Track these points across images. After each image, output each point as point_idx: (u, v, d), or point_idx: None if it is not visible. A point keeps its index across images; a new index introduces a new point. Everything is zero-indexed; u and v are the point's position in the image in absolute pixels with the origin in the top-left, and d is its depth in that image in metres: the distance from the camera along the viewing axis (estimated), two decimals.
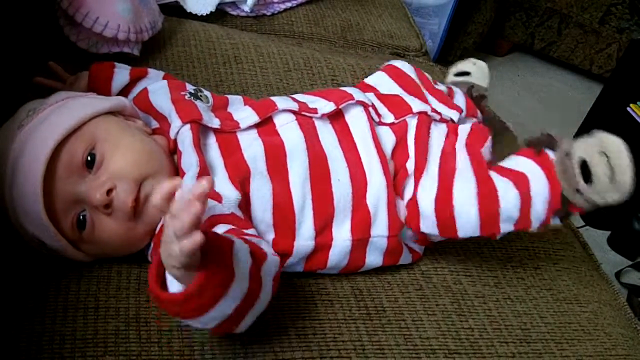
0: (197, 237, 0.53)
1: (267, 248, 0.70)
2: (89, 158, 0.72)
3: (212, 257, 0.57)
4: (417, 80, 0.96)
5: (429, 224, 0.82)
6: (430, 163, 0.84)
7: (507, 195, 0.79)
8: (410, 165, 0.84)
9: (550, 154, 0.81)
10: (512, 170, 0.82)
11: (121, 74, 0.90)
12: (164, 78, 0.92)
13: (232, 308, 0.62)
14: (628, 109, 1.96)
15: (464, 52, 2.51)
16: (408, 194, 0.83)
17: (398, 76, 0.97)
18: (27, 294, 0.71)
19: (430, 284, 0.87)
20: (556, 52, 2.65)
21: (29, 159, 0.69)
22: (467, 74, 1.02)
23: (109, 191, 0.71)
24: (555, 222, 0.81)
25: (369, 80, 0.98)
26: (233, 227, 0.70)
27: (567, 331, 0.88)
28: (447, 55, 2.46)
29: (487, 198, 0.79)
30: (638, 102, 1.96)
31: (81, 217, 0.72)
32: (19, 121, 0.74)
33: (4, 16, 0.91)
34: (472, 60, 1.05)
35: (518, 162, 0.83)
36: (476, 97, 0.98)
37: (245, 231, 0.72)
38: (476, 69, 1.02)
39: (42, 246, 0.73)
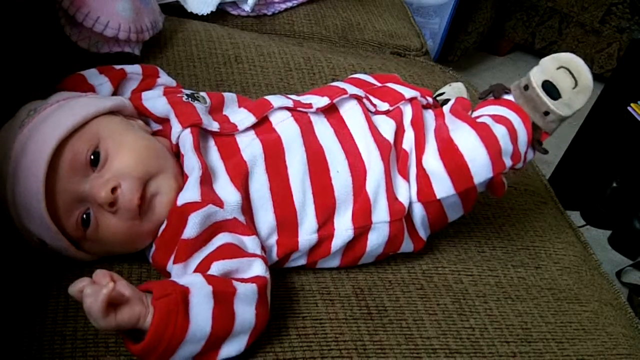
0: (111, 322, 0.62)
1: (257, 268, 0.71)
2: (92, 157, 0.72)
3: (162, 312, 0.63)
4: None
5: (443, 184, 0.81)
6: (428, 138, 0.85)
7: (500, 131, 0.82)
8: (407, 145, 0.84)
9: (508, 96, 0.87)
10: (490, 115, 0.85)
11: (103, 86, 0.87)
12: (144, 73, 0.91)
13: (198, 349, 0.66)
14: (629, 108, 1.96)
15: (465, 51, 2.51)
16: (413, 171, 0.83)
17: (379, 79, 0.98)
18: (28, 293, 0.71)
19: (431, 284, 0.87)
20: (557, 51, 2.63)
21: (31, 158, 0.69)
22: (441, 94, 1.04)
23: (114, 189, 0.71)
24: (531, 155, 0.87)
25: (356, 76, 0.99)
26: (231, 241, 0.72)
27: (568, 330, 0.88)
28: (447, 55, 2.46)
29: (487, 136, 0.81)
30: (639, 102, 1.96)
31: (84, 216, 0.72)
32: (20, 121, 0.73)
33: (4, 16, 0.91)
34: (450, 83, 1.08)
35: (489, 109, 0.87)
36: (443, 103, 0.99)
37: (244, 238, 0.74)
38: (450, 89, 1.04)
39: (44, 246, 0.73)
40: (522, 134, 0.83)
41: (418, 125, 0.86)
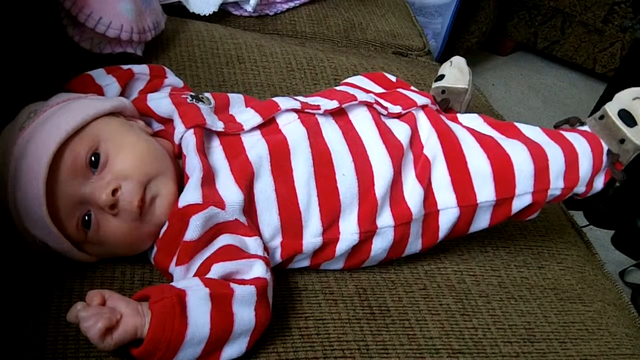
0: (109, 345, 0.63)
1: (258, 269, 0.71)
2: (92, 158, 0.72)
3: (159, 314, 0.64)
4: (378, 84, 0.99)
5: (485, 188, 0.83)
6: (464, 143, 0.85)
7: (553, 152, 0.85)
8: (429, 151, 0.84)
9: (583, 127, 0.91)
10: (553, 135, 0.89)
11: (111, 86, 0.87)
12: (151, 73, 0.91)
13: (199, 351, 0.66)
14: None
15: (467, 51, 2.51)
16: (441, 177, 0.83)
17: (372, 78, 0.99)
18: (31, 294, 0.71)
19: (434, 284, 0.87)
20: (559, 51, 2.65)
21: (31, 162, 0.69)
22: (441, 77, 1.03)
23: (114, 191, 0.71)
24: (600, 183, 0.89)
25: (351, 80, 1.00)
26: (232, 242, 0.72)
27: (571, 331, 0.88)
28: (450, 54, 2.45)
29: (537, 153, 0.84)
30: None
31: (86, 218, 0.72)
32: (20, 123, 0.73)
33: (6, 16, 0.91)
34: (451, 60, 1.06)
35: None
36: (440, 103, 0.99)
37: (246, 239, 0.74)
38: (450, 70, 1.02)
39: (46, 248, 0.73)
40: (586, 158, 0.86)
41: (443, 131, 0.86)
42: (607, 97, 2.07)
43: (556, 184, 0.86)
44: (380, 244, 0.82)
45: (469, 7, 2.34)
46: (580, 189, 0.88)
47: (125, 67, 0.90)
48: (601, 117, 0.89)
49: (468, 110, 1.01)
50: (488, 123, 0.90)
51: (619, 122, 0.87)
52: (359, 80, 0.99)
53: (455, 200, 0.83)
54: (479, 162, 0.84)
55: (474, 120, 0.91)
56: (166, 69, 0.93)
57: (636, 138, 0.87)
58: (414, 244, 0.85)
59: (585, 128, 0.91)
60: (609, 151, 0.88)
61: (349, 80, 1.00)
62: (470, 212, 0.84)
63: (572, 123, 0.92)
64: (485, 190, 0.83)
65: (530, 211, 0.88)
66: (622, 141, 0.87)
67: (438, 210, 0.83)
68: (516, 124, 0.90)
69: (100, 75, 0.88)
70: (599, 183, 0.89)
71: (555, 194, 0.87)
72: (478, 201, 0.83)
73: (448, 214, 0.84)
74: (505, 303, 0.88)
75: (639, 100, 0.87)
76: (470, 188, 0.83)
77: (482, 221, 0.86)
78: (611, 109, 0.88)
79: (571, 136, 0.89)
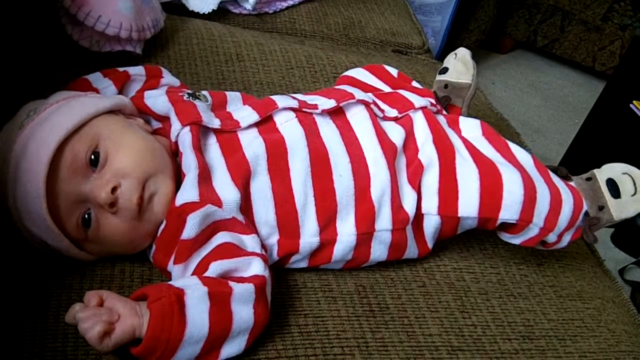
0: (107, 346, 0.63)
1: (256, 267, 0.71)
2: (92, 157, 0.72)
3: (157, 314, 0.64)
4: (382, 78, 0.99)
5: (470, 203, 0.82)
6: (459, 156, 0.84)
7: (542, 189, 0.84)
8: (424, 157, 0.84)
9: (570, 183, 0.90)
10: (544, 179, 0.87)
11: (108, 89, 0.87)
12: (148, 74, 0.91)
13: (198, 350, 0.66)
14: (631, 105, 1.96)
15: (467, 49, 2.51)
16: (430, 184, 0.83)
17: (372, 71, 0.99)
18: (31, 291, 0.71)
19: (433, 281, 0.87)
20: (559, 49, 2.65)
21: (31, 160, 0.69)
22: (445, 70, 1.02)
23: (114, 189, 0.71)
24: (567, 240, 0.88)
25: (351, 73, 1.00)
26: (229, 240, 0.72)
27: (570, 328, 0.88)
28: (449, 52, 2.46)
29: (528, 185, 0.83)
30: None
31: (86, 216, 0.72)
32: (19, 122, 0.73)
33: (5, 15, 0.91)
34: (456, 51, 1.05)
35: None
36: (441, 99, 0.99)
37: (244, 237, 0.74)
38: (454, 64, 1.02)
39: (45, 246, 0.73)
40: (568, 207, 0.85)
41: (440, 137, 0.85)
42: (607, 95, 2.08)
43: (537, 221, 0.84)
44: (379, 247, 0.82)
45: (468, 5, 2.34)
46: (552, 237, 0.86)
47: (121, 69, 0.90)
48: (588, 179, 0.89)
49: (469, 108, 1.01)
50: (486, 137, 0.89)
51: (604, 188, 0.87)
52: (358, 73, 0.99)
53: (437, 208, 0.83)
54: (469, 175, 0.82)
55: (474, 131, 0.90)
56: (162, 69, 0.93)
57: (614, 209, 0.87)
58: (412, 249, 0.86)
59: (572, 184, 0.90)
60: (586, 213, 0.87)
61: (348, 73, 1.00)
62: (452, 222, 0.84)
63: (561, 173, 0.91)
64: (468, 206, 0.82)
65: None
66: (601, 208, 0.87)
67: (422, 214, 0.84)
68: (510, 144, 0.89)
69: (97, 79, 0.88)
70: (567, 239, 0.88)
71: (533, 231, 0.85)
72: (459, 214, 0.83)
73: (430, 219, 0.84)
74: (504, 300, 0.88)
75: (628, 176, 0.88)
76: (454, 200, 0.82)
77: (466, 229, 0.87)
78: (600, 175, 0.89)
79: (558, 181, 0.88)
